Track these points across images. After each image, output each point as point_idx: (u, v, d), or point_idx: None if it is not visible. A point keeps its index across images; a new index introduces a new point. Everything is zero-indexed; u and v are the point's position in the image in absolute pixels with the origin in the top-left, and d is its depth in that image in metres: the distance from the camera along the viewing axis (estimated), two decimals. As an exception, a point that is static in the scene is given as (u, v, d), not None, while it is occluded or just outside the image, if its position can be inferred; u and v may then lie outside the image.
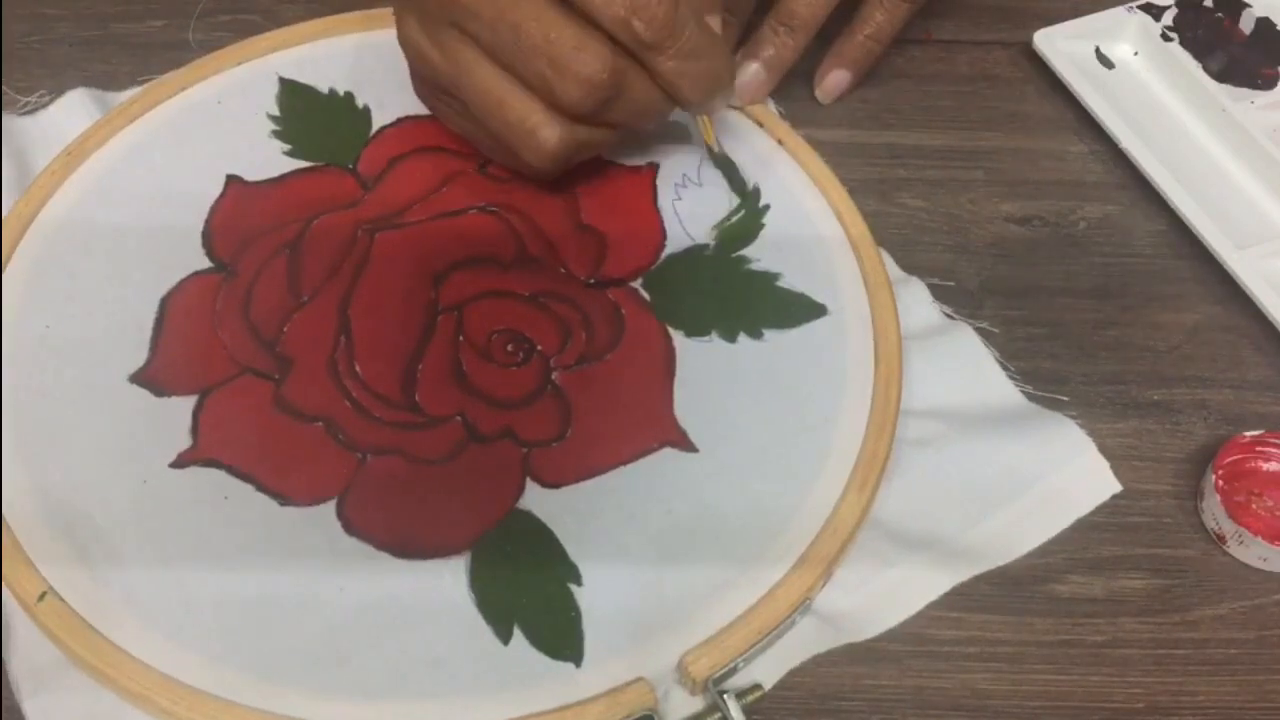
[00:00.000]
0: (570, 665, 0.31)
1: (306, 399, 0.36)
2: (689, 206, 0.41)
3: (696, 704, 0.31)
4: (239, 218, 0.40)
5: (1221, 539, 0.35)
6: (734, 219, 0.41)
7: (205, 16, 0.48)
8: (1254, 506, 0.35)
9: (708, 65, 0.35)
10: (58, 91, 0.44)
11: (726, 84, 0.37)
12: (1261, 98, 0.46)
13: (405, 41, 0.37)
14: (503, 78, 0.34)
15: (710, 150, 0.42)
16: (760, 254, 0.40)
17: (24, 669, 0.31)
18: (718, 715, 0.31)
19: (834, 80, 0.46)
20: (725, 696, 0.31)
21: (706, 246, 0.40)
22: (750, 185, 0.42)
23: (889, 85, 0.48)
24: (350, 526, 0.33)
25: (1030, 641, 0.34)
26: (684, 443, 0.36)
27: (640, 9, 0.32)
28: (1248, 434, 0.36)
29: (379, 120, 0.43)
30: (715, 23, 0.37)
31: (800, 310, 0.39)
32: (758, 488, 0.35)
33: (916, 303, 0.40)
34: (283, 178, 0.41)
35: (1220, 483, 0.35)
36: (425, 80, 0.38)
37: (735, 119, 0.44)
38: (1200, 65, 0.46)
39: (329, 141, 0.42)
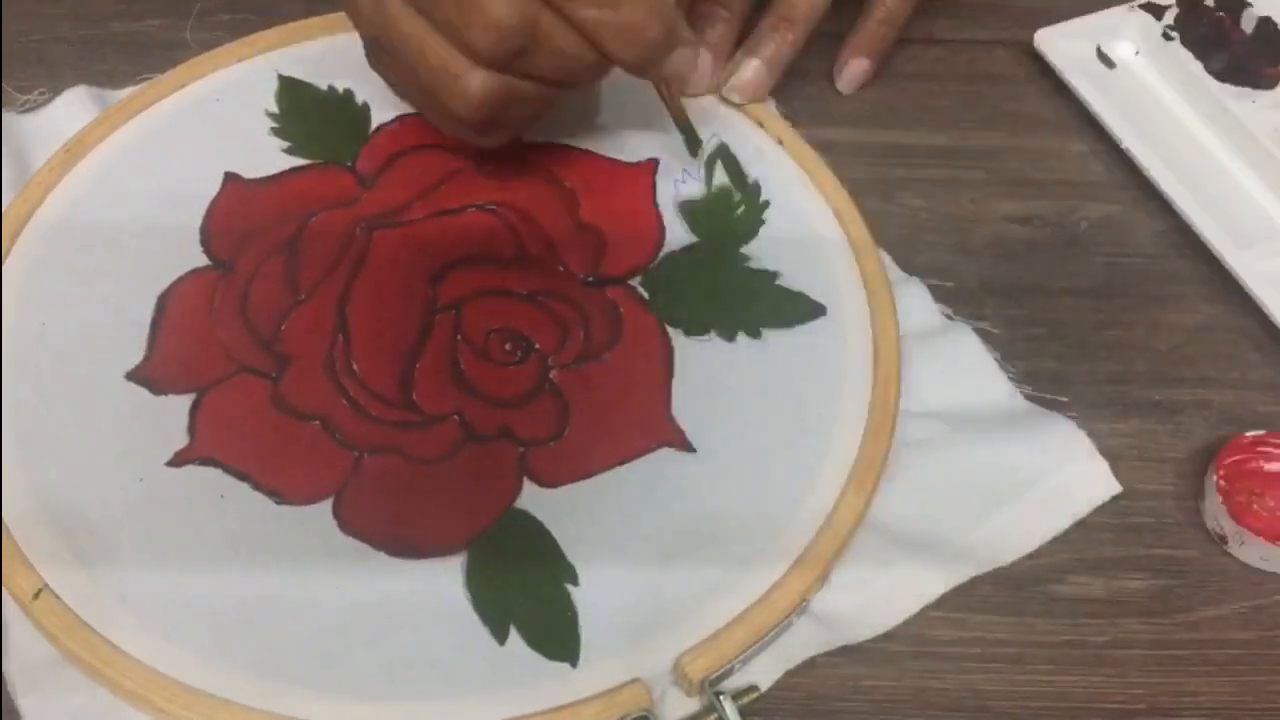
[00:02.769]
0: (566, 665, 0.31)
1: (304, 397, 0.36)
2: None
3: (693, 705, 0.31)
4: (237, 216, 0.40)
5: (1223, 539, 0.35)
6: (736, 213, 0.41)
7: (203, 15, 0.48)
8: (1255, 507, 0.35)
9: (629, 16, 0.33)
10: (56, 90, 0.44)
11: (655, 39, 0.34)
12: (1263, 97, 0.45)
13: None
14: (425, 25, 0.33)
15: (676, 122, 0.41)
16: (759, 253, 0.40)
17: (19, 666, 0.31)
18: (714, 716, 0.31)
19: (854, 69, 0.46)
20: (721, 697, 0.31)
21: (705, 245, 0.40)
22: (751, 181, 0.42)
23: (889, 85, 0.48)
24: (346, 525, 0.33)
25: (1031, 642, 0.34)
26: (682, 443, 0.35)
27: None
28: (1249, 434, 0.36)
29: (378, 118, 0.43)
30: None
31: (799, 310, 0.39)
32: (755, 488, 0.34)
33: (916, 303, 0.40)
34: (281, 175, 0.41)
35: (1221, 483, 0.35)
36: (364, 38, 0.38)
37: (735, 119, 0.44)
38: (1202, 65, 0.46)
39: (328, 139, 0.42)
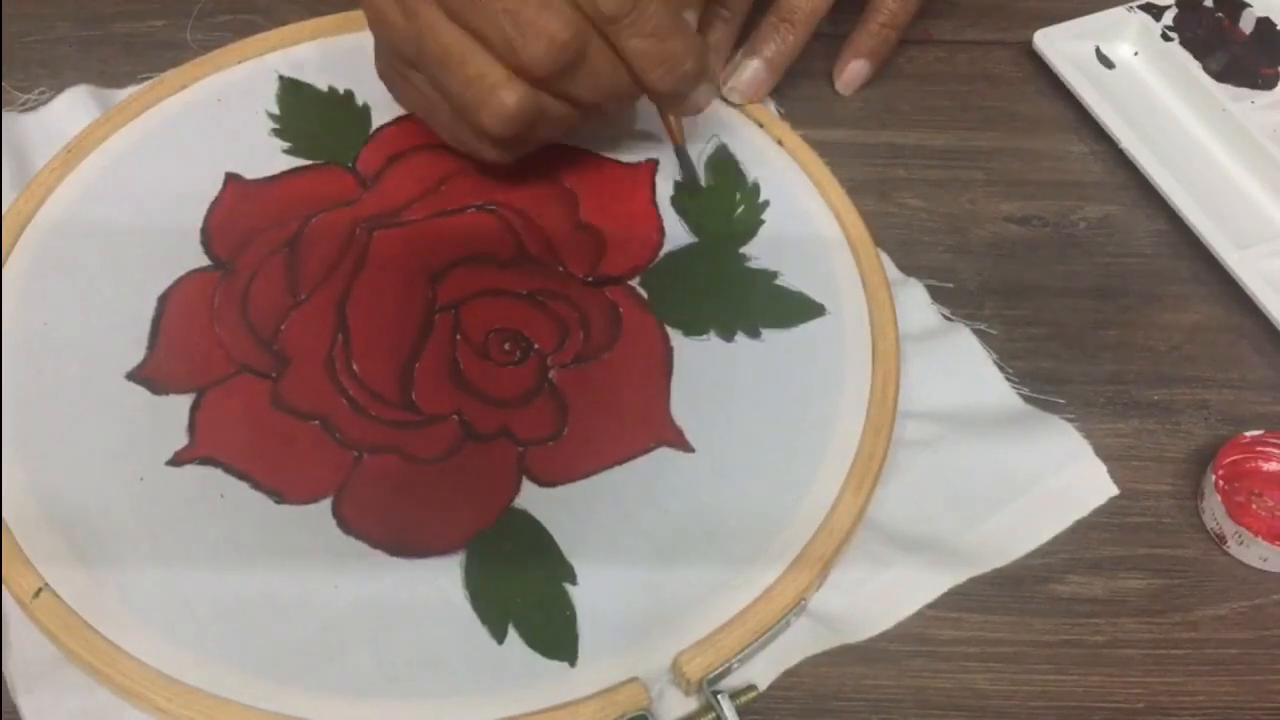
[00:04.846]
0: (564, 665, 0.31)
1: (303, 397, 0.36)
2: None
3: (691, 704, 0.31)
4: (238, 216, 0.40)
5: (1222, 539, 0.35)
6: (736, 213, 0.41)
7: (205, 16, 0.48)
8: (1254, 507, 0.35)
9: (672, 48, 0.35)
10: (57, 89, 0.44)
11: (691, 72, 0.36)
12: (1261, 97, 0.46)
13: (369, 8, 0.36)
14: (465, 38, 0.34)
15: (676, 150, 0.41)
16: (759, 253, 0.40)
17: (19, 665, 0.31)
18: (712, 715, 0.31)
19: (853, 71, 0.46)
20: (719, 697, 0.31)
21: (705, 245, 0.40)
22: (750, 181, 0.42)
23: (889, 85, 0.48)
24: (346, 525, 0.33)
25: (1030, 641, 0.34)
26: (680, 442, 0.35)
27: None
28: (1248, 434, 0.36)
29: (378, 119, 0.43)
30: (692, 19, 0.37)
31: (798, 310, 0.39)
32: (754, 487, 0.35)
33: (915, 304, 0.40)
34: (281, 176, 0.41)
35: (1220, 483, 0.35)
36: (388, 51, 0.38)
37: (735, 119, 0.44)
38: (1200, 65, 0.46)
39: (328, 140, 0.42)
